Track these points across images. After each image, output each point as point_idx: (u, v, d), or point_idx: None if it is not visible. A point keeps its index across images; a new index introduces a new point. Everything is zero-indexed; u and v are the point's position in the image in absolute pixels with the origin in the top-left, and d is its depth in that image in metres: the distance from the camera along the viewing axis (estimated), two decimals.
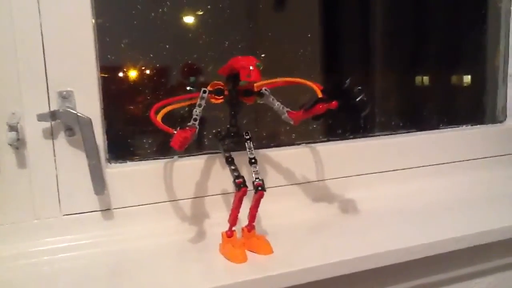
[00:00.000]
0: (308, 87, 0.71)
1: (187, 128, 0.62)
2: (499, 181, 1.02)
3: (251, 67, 0.63)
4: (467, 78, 1.19)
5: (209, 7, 0.90)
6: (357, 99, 0.62)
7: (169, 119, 0.67)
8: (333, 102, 0.65)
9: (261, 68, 0.63)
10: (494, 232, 0.78)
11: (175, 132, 0.60)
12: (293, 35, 1.00)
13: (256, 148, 0.71)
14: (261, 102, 0.74)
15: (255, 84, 0.72)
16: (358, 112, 0.65)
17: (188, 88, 0.85)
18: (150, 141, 0.85)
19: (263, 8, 1.02)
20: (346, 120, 0.97)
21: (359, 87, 0.63)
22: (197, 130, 0.64)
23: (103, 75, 0.76)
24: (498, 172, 1.04)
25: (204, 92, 0.68)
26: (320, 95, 0.67)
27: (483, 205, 0.89)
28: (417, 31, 1.15)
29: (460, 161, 1.02)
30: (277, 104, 0.72)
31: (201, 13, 0.90)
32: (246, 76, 0.63)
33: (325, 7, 1.06)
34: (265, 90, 0.73)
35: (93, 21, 0.72)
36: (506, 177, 1.03)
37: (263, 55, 0.62)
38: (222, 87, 0.71)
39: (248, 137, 0.71)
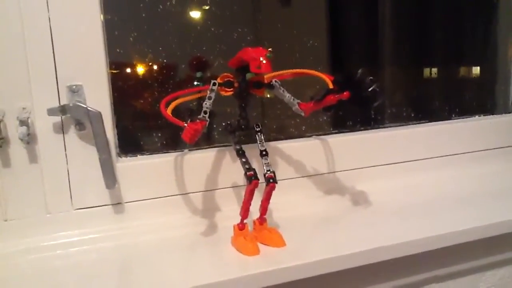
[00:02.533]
0: (319, 78, 0.71)
1: (197, 120, 0.61)
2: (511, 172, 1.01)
3: (261, 58, 0.62)
4: (479, 69, 1.18)
5: (216, 0, 0.90)
6: (370, 89, 0.62)
7: (177, 112, 0.66)
8: (345, 93, 0.65)
9: (272, 57, 0.62)
10: (505, 224, 0.77)
11: (186, 125, 0.60)
12: (301, 28, 1.00)
13: (266, 140, 0.71)
14: (272, 94, 0.73)
15: (265, 76, 0.72)
16: (370, 103, 0.64)
17: (195, 83, 0.85)
18: (160, 135, 0.85)
19: (270, 2, 1.01)
20: (357, 111, 0.97)
21: (371, 77, 0.62)
22: (207, 122, 0.63)
23: (112, 69, 0.76)
24: (511, 162, 1.03)
25: (214, 84, 0.68)
26: (331, 86, 0.67)
27: (494, 197, 0.88)
28: (429, 22, 1.13)
29: (472, 151, 1.01)
30: (287, 96, 0.72)
31: (208, 6, 0.90)
32: (257, 67, 0.63)
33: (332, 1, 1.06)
34: (275, 81, 0.72)
35: (102, 15, 0.71)
36: None
37: (270, 49, 0.62)
38: (232, 79, 0.70)
39: (258, 129, 0.71)
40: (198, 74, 0.86)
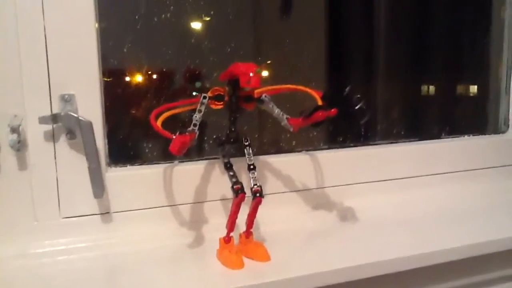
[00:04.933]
0: (309, 94, 0.72)
1: (186, 133, 0.62)
2: (500, 192, 1.01)
3: (251, 74, 0.63)
4: (470, 88, 1.19)
5: (212, 12, 0.91)
6: (356, 107, 0.62)
7: (172, 123, 0.67)
8: (333, 110, 0.65)
9: (261, 72, 0.63)
10: (494, 243, 0.78)
11: (174, 137, 0.61)
12: (298, 42, 1.01)
13: (256, 154, 0.72)
14: (262, 108, 0.74)
15: (255, 91, 0.72)
16: (357, 120, 0.65)
17: (194, 93, 0.86)
18: (150, 146, 0.85)
19: (268, 14, 1.02)
20: (346, 127, 0.97)
21: (358, 95, 0.63)
22: (196, 135, 0.64)
23: (105, 79, 0.76)
24: (499, 183, 1.04)
25: (204, 97, 0.68)
26: (319, 102, 0.67)
27: (483, 216, 0.88)
28: (421, 40, 1.15)
29: (461, 171, 1.01)
30: (276, 111, 0.72)
31: (205, 18, 0.91)
32: (246, 82, 0.64)
33: (330, 15, 1.07)
34: (265, 96, 0.73)
35: (97, 24, 0.72)
36: (507, 188, 1.03)
37: (268, 62, 0.63)
38: (222, 93, 0.71)
39: (247, 143, 0.72)
40: (197, 85, 0.86)
